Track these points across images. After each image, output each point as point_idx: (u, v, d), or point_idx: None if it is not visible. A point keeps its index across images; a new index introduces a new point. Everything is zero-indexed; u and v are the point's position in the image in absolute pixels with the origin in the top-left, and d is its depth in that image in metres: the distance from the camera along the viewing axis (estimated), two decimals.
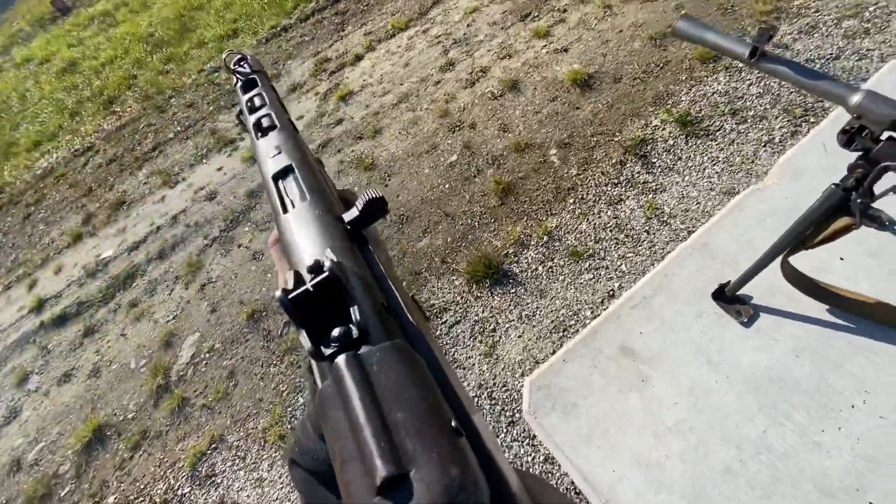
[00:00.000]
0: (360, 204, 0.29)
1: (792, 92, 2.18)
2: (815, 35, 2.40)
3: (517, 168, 2.53)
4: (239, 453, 2.03)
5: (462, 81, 3.24)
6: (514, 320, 1.94)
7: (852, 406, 0.59)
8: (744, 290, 0.70)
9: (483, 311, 2.02)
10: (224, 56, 0.51)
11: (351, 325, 0.22)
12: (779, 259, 0.64)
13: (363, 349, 0.21)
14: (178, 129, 4.48)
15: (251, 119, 0.42)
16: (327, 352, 0.21)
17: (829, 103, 1.92)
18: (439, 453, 0.16)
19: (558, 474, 1.46)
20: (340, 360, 0.20)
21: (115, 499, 2.10)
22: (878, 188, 0.53)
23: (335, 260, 0.24)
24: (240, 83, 0.47)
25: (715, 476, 0.58)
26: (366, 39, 4.19)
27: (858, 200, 0.51)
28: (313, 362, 0.25)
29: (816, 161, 0.76)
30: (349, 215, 0.29)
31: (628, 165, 2.27)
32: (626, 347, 0.72)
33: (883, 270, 0.65)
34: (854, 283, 0.64)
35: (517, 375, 1.77)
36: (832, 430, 0.58)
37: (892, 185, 0.48)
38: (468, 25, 3.75)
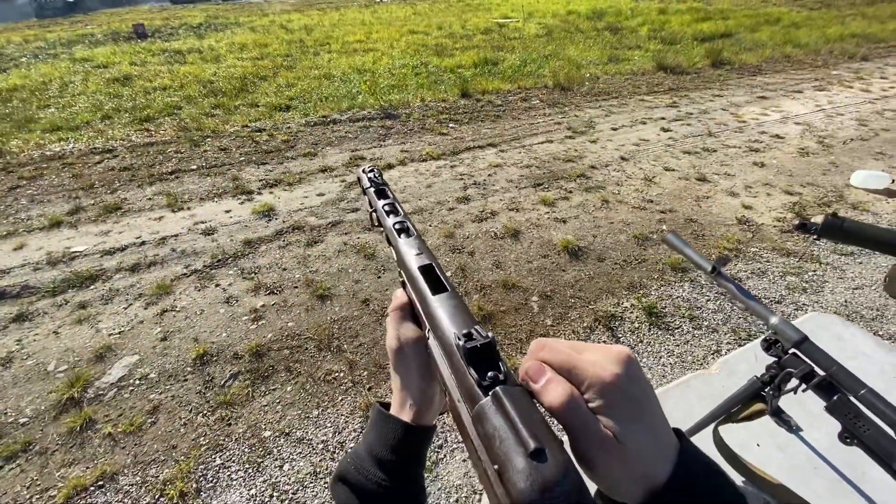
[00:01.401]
0: (480, 337, 0.33)
1: (740, 317, 2.57)
2: (764, 279, 2.91)
3: (500, 301, 2.76)
4: (126, 500, 1.81)
5: (472, 216, 3.67)
6: (460, 442, 1.96)
7: None
8: None
9: (441, 429, 2.04)
10: (361, 169, 0.62)
11: (498, 372, 0.30)
12: (711, 427, 0.81)
13: (506, 387, 0.29)
14: (203, 164, 4.73)
15: (390, 221, 0.52)
16: (485, 383, 0.30)
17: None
18: (558, 445, 0.25)
19: None
20: (499, 389, 0.29)
21: None
22: (786, 386, 0.73)
23: (488, 333, 0.33)
24: (373, 188, 0.59)
25: None
26: (401, 154, 4.77)
27: (770, 392, 0.71)
28: (458, 392, 0.32)
29: (748, 365, 0.98)
30: (471, 342, 0.33)
31: (596, 332, 2.52)
32: None
33: (787, 462, 0.81)
34: (765, 466, 0.79)
35: (451, 501, 1.74)
36: None
37: (792, 386, 0.68)
38: (489, 175, 4.36)
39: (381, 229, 0.55)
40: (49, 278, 3.08)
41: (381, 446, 0.40)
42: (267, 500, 1.79)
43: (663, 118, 5.84)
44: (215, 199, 4.03)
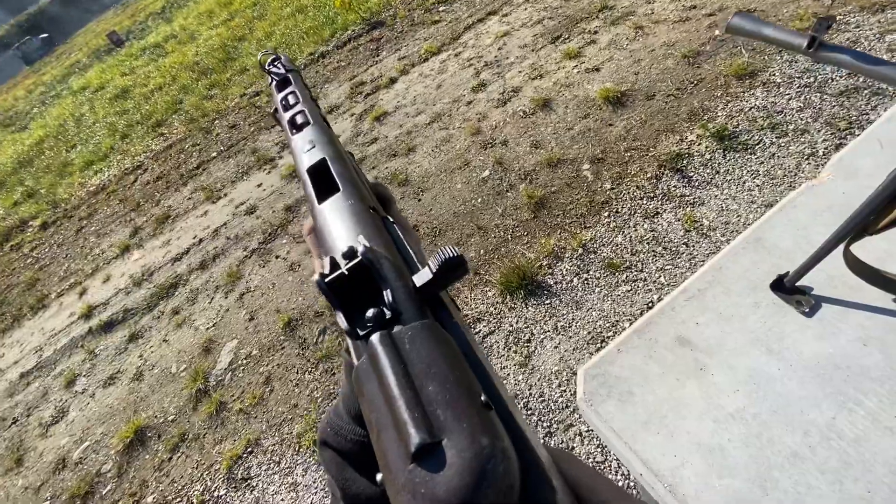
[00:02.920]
0: (433, 264, 0.25)
1: (834, 105, 2.15)
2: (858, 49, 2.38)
3: (550, 183, 2.56)
4: (274, 458, 2.06)
5: (494, 101, 3.33)
6: (549, 331, 1.93)
7: None
8: (803, 281, 0.70)
9: (517, 322, 2.02)
10: (259, 57, 0.53)
11: (383, 307, 0.23)
12: (840, 248, 0.64)
13: (396, 328, 0.21)
14: (221, 148, 4.72)
15: (286, 116, 0.43)
16: (362, 331, 0.22)
17: (884, 106, 1.89)
18: (470, 423, 0.16)
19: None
20: (375, 338, 0.21)
21: (154, 498, 2.15)
22: None
23: (367, 246, 0.25)
24: (274, 82, 0.49)
25: (782, 461, 0.58)
26: (400, 63, 4.36)
27: None
28: (350, 343, 0.26)
29: (872, 159, 0.76)
30: (420, 278, 0.26)
31: (664, 179, 2.26)
32: (682, 338, 0.72)
33: None
34: None
35: (553, 386, 1.76)
36: None
37: None
38: (499, 49, 3.87)
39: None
40: (141, 297, 3.36)
41: (352, 400, 0.33)
42: None
43: None
44: (244, 178, 4.04)
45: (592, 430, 1.55)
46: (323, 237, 0.31)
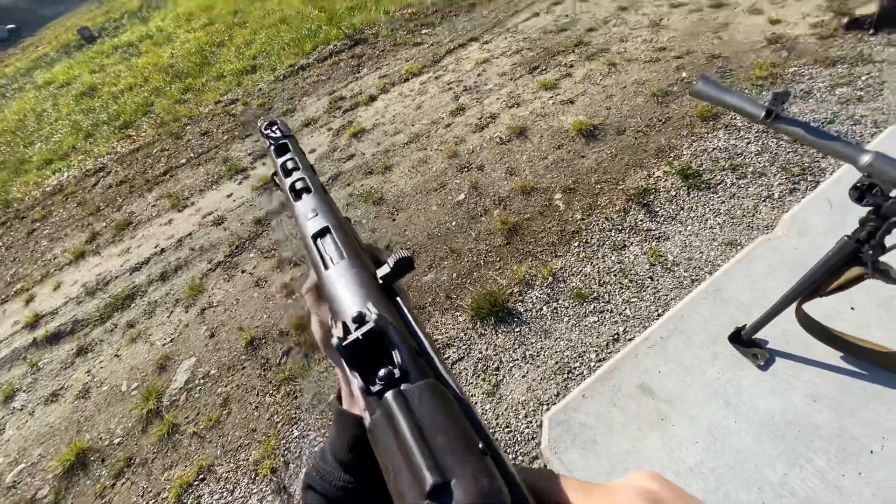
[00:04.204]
0: (391, 262, 0.32)
1: (789, 151, 2.29)
2: (810, 100, 2.55)
3: (523, 210, 2.60)
4: (228, 486, 1.96)
5: (471, 126, 3.38)
6: (518, 360, 1.93)
7: (871, 451, 0.60)
8: (759, 335, 0.72)
9: (487, 349, 2.02)
10: (258, 123, 0.55)
11: (393, 367, 0.25)
12: (793, 305, 0.67)
13: (404, 386, 0.24)
14: (191, 155, 4.59)
15: (287, 182, 0.46)
16: (375, 388, 0.25)
17: (832, 161, 2.02)
18: (472, 468, 0.20)
19: None
20: (389, 395, 0.23)
21: None
22: (888, 241, 0.57)
23: (378, 313, 0.28)
24: (272, 147, 0.51)
25: None
26: (380, 82, 4.39)
27: (870, 252, 0.55)
28: (361, 399, 0.28)
29: (822, 217, 0.81)
30: (382, 271, 0.32)
31: (632, 213, 2.34)
32: (645, 386, 0.73)
33: (893, 321, 0.68)
34: (866, 332, 0.66)
35: (521, 416, 1.75)
36: (852, 476, 0.59)
37: None
38: (479, 75, 3.95)
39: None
40: (93, 308, 3.18)
41: (340, 446, 0.35)
42: None
43: None
44: (214, 187, 3.93)
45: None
46: (330, 301, 0.34)
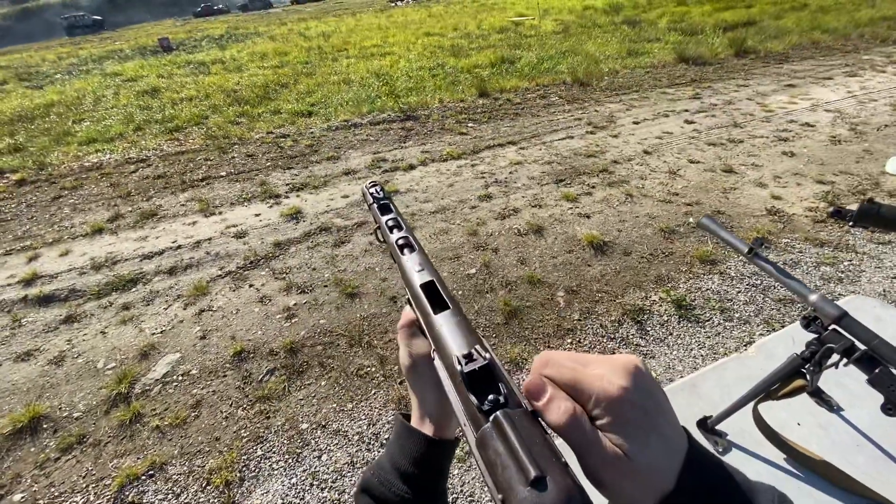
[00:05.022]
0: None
1: (773, 308, 2.53)
2: (798, 269, 2.85)
3: (526, 297, 2.78)
4: (175, 489, 1.91)
5: (494, 213, 3.69)
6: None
7: None
8: (722, 427, 0.86)
9: None
10: (364, 186, 0.62)
11: (498, 394, 0.30)
12: (751, 406, 0.82)
13: (507, 410, 0.28)
14: (232, 170, 4.89)
15: (393, 237, 0.51)
16: (485, 408, 0.29)
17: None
18: (560, 469, 0.24)
19: None
20: (500, 413, 0.28)
21: (22, 498, 1.90)
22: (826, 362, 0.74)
23: (490, 352, 0.33)
24: (376, 204, 0.58)
25: None
26: (422, 156, 4.83)
27: (811, 368, 0.72)
28: (464, 413, 0.32)
29: (785, 348, 0.98)
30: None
31: (625, 326, 2.52)
32: None
33: (827, 440, 0.82)
34: (806, 444, 0.81)
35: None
36: None
37: (833, 361, 0.69)
38: (511, 172, 4.38)
39: (386, 245, 0.55)
40: (94, 282, 3.24)
41: (404, 459, 0.40)
42: (307, 488, 1.86)
43: (686, 110, 5.75)
44: (245, 204, 4.17)
45: None
46: (435, 340, 0.39)
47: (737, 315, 2.52)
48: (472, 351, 0.34)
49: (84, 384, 2.45)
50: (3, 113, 8.25)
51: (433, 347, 0.41)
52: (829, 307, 0.70)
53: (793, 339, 1.01)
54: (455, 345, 0.37)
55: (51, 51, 17.88)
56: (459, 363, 0.32)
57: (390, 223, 0.55)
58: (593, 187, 4.01)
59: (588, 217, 3.56)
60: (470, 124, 5.75)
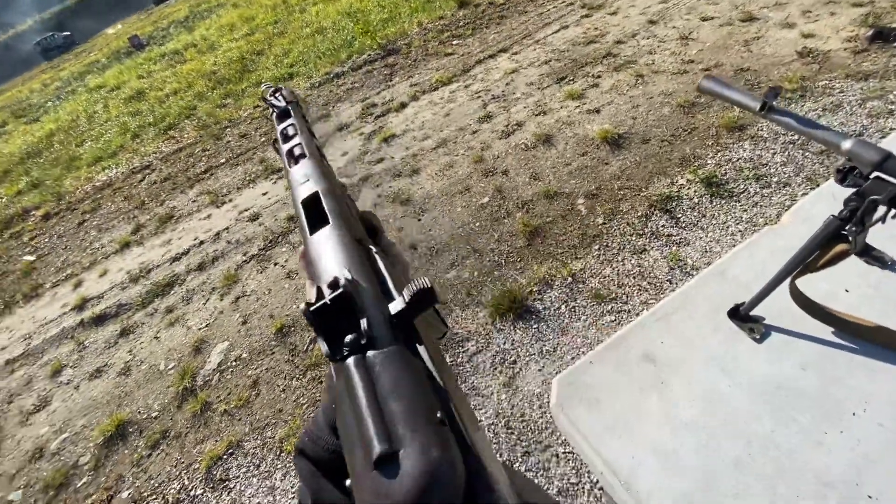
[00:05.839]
0: (406, 295, 0.27)
1: (815, 163, 2.29)
2: (840, 113, 2.55)
3: (545, 213, 2.67)
4: (254, 460, 2.07)
5: (498, 132, 3.48)
6: (534, 354, 2.00)
7: (853, 414, 0.65)
8: (757, 311, 0.78)
9: (505, 343, 2.09)
10: (261, 88, 0.56)
11: (359, 333, 0.25)
12: (787, 283, 0.73)
13: (369, 353, 0.24)
14: (230, 155, 4.84)
15: (284, 148, 0.46)
16: (340, 356, 0.24)
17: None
18: (424, 437, 0.19)
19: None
20: (350, 361, 0.23)
21: (129, 494, 2.14)
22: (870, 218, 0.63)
23: (350, 278, 0.27)
24: (275, 113, 0.52)
25: (725, 466, 0.64)
26: (411, 90, 4.55)
27: (853, 228, 0.61)
28: (332, 367, 0.28)
29: (825, 207, 0.86)
30: (394, 307, 0.28)
31: (653, 219, 2.38)
32: (648, 354, 0.79)
33: (881, 300, 0.73)
34: (856, 311, 0.71)
35: (535, 407, 1.81)
36: (834, 433, 0.64)
37: (879, 215, 0.58)
38: (507, 84, 4.06)
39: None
40: (136, 293, 3.40)
41: (331, 411, 0.36)
42: None
43: None
44: (251, 185, 4.14)
45: (569, 452, 1.60)
46: (313, 265, 0.33)
47: (774, 179, 2.31)
48: (339, 276, 0.27)
49: (153, 387, 2.63)
50: (13, 154, 8.45)
51: (308, 279, 0.35)
52: (867, 151, 0.57)
53: (833, 195, 0.88)
54: (327, 270, 0.32)
55: (35, 80, 17.85)
56: (311, 298, 0.26)
57: (289, 132, 0.48)
58: (598, 77, 3.66)
59: (598, 112, 3.29)
60: (454, 42, 5.32)
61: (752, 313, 0.77)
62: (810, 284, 0.73)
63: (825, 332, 0.72)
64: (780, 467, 0.61)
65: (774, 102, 0.65)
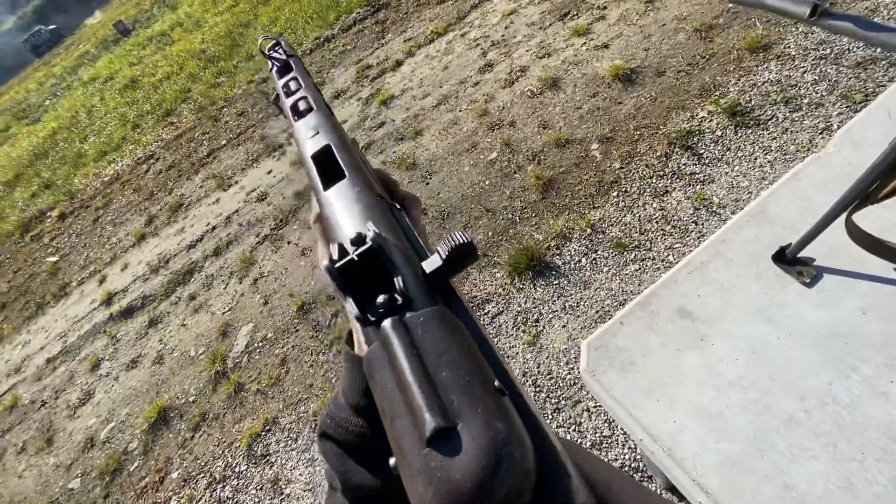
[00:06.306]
0: (444, 251, 0.25)
1: (850, 77, 2.10)
2: (876, 19, 2.30)
3: (558, 163, 2.54)
4: (291, 435, 2.13)
5: (501, 81, 3.29)
6: (557, 311, 1.95)
7: None
8: (805, 252, 0.70)
9: (526, 302, 2.04)
10: (259, 42, 0.50)
11: (394, 293, 0.22)
12: (842, 218, 0.64)
13: (407, 314, 0.21)
14: (231, 136, 4.75)
15: (288, 102, 0.42)
16: (373, 318, 0.22)
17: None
18: (484, 408, 0.16)
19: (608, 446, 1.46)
20: (387, 324, 0.20)
21: (179, 474, 2.25)
22: None
23: (377, 231, 0.24)
24: (275, 68, 0.47)
25: (778, 425, 0.59)
26: (405, 45, 4.32)
27: None
28: (360, 330, 0.25)
29: (879, 129, 0.75)
30: (430, 265, 0.25)
31: (674, 157, 2.24)
32: (684, 310, 0.73)
33: None
34: None
35: (562, 363, 1.78)
36: None
37: None
38: (506, 27, 3.81)
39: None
40: (158, 284, 3.45)
41: (353, 391, 0.33)
42: None
43: None
44: (254, 165, 4.08)
45: (600, 406, 1.58)
46: (330, 224, 0.30)
47: (805, 101, 2.12)
48: (363, 231, 0.25)
49: (187, 373, 2.71)
50: (21, 157, 8.53)
51: (322, 240, 0.32)
52: None
53: (888, 113, 0.76)
54: (346, 227, 0.28)
55: (30, 79, 17.75)
56: (335, 255, 0.24)
57: (292, 86, 0.44)
58: (604, 8, 3.39)
59: (606, 47, 3.06)
60: None
61: (799, 255, 0.70)
62: (868, 219, 0.64)
63: (887, 269, 0.64)
64: (840, 423, 0.56)
65: (826, 6, 0.54)
